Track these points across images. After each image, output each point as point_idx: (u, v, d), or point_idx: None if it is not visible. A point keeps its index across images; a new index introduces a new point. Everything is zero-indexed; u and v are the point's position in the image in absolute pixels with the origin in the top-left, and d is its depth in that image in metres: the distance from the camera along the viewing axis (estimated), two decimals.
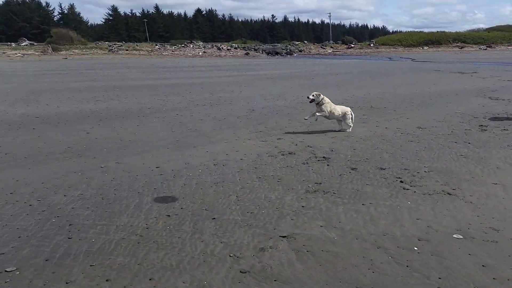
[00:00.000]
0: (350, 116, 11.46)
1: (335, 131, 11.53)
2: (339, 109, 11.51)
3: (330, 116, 11.46)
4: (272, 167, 8.11)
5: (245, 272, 4.21)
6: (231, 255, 4.58)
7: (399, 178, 7.32)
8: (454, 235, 5.00)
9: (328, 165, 8.29)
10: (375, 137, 10.94)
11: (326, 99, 11.45)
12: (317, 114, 11.32)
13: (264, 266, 4.34)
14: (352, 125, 11.45)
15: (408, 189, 6.71)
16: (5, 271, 4.16)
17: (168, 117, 13.74)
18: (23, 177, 7.21)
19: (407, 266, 4.30)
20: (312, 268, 4.29)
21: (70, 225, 5.29)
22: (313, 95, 11.43)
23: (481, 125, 12.03)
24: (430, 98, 17.87)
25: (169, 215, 5.67)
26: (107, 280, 4.05)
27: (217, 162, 8.57)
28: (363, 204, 6.06)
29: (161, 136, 10.99)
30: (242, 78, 29.34)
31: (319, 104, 11.35)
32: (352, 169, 7.96)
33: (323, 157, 8.91)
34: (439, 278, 4.07)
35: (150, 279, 4.08)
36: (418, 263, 4.36)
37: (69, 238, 4.93)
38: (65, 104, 16.54)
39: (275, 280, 4.06)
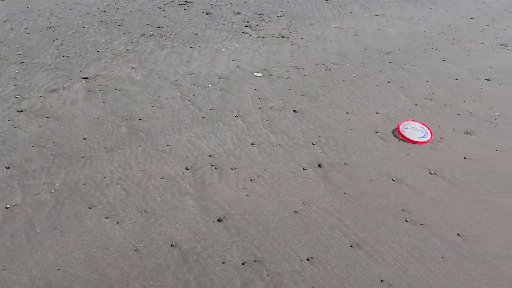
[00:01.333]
0: None
1: None
2: None
3: None
4: (123, 11, 7.61)
5: (21, 111, 4.19)
6: (17, 96, 4.48)
7: (247, 22, 7.20)
8: (255, 74, 5.18)
9: (185, 9, 7.90)
10: None
11: None
12: None
13: (45, 105, 4.32)
14: None
15: (246, 33, 6.66)
16: None
17: None
18: None
19: (189, 100, 4.47)
20: (94, 104, 4.34)
21: None
22: None
23: None
24: None
25: None
26: None
27: (65, 6, 7.86)
28: (191, 47, 5.99)
29: None
30: None
31: None
32: (207, 13, 7.66)
33: (186, 1, 8.44)
34: (211, 109, 4.30)
35: None
36: (201, 98, 4.54)
37: None
38: None
39: (47, 117, 4.09)
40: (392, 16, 7.91)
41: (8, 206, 2.91)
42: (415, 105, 4.49)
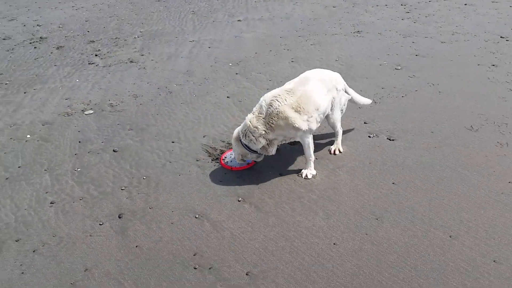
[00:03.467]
0: None
1: None
2: None
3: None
4: None
5: None
6: None
7: (98, 50, 6.74)
8: (86, 112, 4.76)
9: (35, 47, 7.29)
10: (121, 2, 9.93)
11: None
12: None
13: None
14: None
15: (93, 63, 6.22)
16: None
17: None
18: None
19: None
20: None
21: None
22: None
23: None
24: None
25: None
26: None
27: None
28: (24, 93, 5.44)
29: None
30: None
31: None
32: (58, 48, 7.10)
33: (40, 37, 7.81)
34: (19, 167, 3.83)
35: None
36: (12, 155, 4.04)
37: None
38: None
39: None
40: (254, 18, 7.77)
41: None
42: None
